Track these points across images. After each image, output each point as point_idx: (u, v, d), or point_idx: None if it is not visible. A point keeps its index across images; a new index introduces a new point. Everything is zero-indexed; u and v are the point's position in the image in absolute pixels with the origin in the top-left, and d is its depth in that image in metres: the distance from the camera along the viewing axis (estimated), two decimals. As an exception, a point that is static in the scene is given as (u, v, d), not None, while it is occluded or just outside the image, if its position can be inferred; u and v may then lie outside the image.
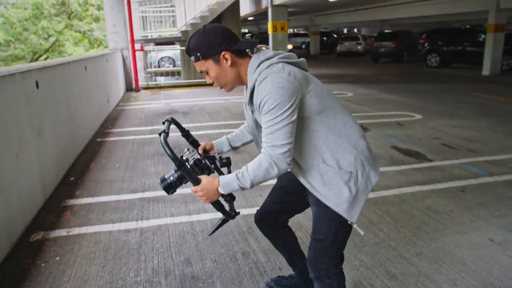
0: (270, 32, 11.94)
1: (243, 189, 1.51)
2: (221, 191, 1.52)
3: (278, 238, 2.07)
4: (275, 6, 11.69)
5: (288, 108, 1.42)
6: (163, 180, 1.61)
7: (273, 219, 2.00)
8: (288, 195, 1.91)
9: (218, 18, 12.44)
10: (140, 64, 12.12)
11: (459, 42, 16.04)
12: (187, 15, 12.48)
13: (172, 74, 14.71)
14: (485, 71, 13.49)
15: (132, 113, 7.62)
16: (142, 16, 14.90)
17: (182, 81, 12.48)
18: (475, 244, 2.68)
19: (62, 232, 2.95)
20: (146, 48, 12.50)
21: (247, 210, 3.23)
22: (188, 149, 1.79)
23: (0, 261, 2.54)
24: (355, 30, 37.60)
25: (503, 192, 3.56)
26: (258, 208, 2.03)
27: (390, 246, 2.66)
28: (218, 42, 1.51)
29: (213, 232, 1.66)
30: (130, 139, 5.60)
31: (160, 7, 14.39)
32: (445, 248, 2.63)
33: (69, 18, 19.45)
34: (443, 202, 3.36)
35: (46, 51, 19.13)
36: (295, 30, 37.35)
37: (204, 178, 1.53)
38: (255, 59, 1.54)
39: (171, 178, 1.60)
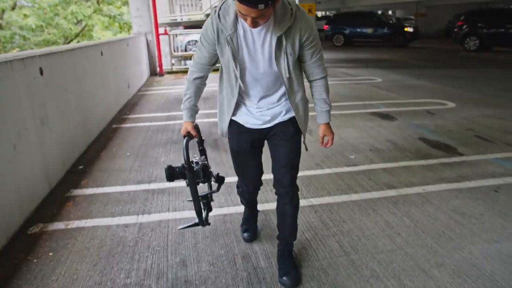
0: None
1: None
2: (328, 121, 2.06)
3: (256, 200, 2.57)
4: (303, -13, 11.24)
5: None
6: (170, 168, 1.96)
7: (259, 183, 2.32)
8: (255, 156, 2.17)
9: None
10: (166, 48, 12.02)
11: (502, 24, 15.00)
12: (213, -3, 12.21)
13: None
14: (529, 55, 12.53)
15: (152, 98, 7.51)
16: (169, 0, 14.79)
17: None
18: (507, 256, 2.35)
19: (60, 225, 2.84)
20: (171, 32, 12.35)
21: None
22: (200, 154, 2.11)
23: (-8, 255, 2.45)
24: (390, 12, 36.13)
25: (543, 193, 3.18)
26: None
27: (407, 255, 2.38)
28: None
29: (184, 228, 2.12)
30: (145, 125, 5.48)
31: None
32: (471, 260, 2.32)
33: (98, 2, 19.58)
34: (472, 204, 3.02)
35: (77, 35, 19.41)
36: (326, 12, 36.29)
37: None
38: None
39: (176, 169, 1.94)
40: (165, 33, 11.51)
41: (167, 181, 1.94)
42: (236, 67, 1.82)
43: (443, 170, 3.68)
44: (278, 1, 1.59)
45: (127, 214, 2.98)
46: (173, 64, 11.97)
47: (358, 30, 19.60)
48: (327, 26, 20.64)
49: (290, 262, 2.20)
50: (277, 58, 1.78)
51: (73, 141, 4.12)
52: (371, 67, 11.34)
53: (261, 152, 2.19)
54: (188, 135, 2.02)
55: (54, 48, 4.16)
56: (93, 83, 5.04)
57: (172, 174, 1.94)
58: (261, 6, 1.51)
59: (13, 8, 17.72)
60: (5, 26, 17.05)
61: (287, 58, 1.78)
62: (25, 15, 16.55)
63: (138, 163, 4.02)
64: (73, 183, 3.57)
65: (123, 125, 5.51)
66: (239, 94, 1.95)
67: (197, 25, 13.73)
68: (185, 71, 11.36)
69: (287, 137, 2.02)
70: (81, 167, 3.96)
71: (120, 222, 2.87)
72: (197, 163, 1.95)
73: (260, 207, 2.82)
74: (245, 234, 2.58)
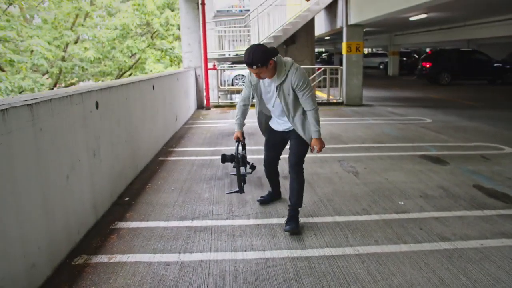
0: (344, 52, 11.50)
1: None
2: (317, 137, 3.21)
3: (273, 174, 3.77)
4: (350, 26, 11.26)
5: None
6: (223, 155, 3.41)
7: (275, 162, 3.64)
8: (276, 146, 3.54)
9: (292, 38, 12.32)
10: (214, 82, 12.37)
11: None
12: (261, 35, 12.52)
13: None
14: None
15: (199, 131, 7.66)
16: (219, 36, 15.33)
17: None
18: None
19: (104, 258, 2.87)
20: (219, 67, 12.73)
21: (297, 252, 2.92)
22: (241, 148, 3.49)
23: (38, 285, 2.50)
24: (438, 49, 35.44)
25: None
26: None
27: (465, 319, 2.17)
28: (268, 56, 2.97)
29: (230, 193, 4.07)
30: (190, 159, 5.56)
31: (235, 27, 14.66)
32: (540, 330, 2.08)
33: (151, 37, 20.66)
34: (538, 264, 2.75)
35: (130, 67, 20.45)
36: (373, 49, 36.22)
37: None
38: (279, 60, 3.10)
39: (227, 156, 3.41)
40: (214, 68, 11.88)
41: (221, 162, 3.41)
42: (258, 99, 3.36)
43: (503, 223, 3.41)
44: (269, 64, 2.96)
45: (169, 251, 2.97)
46: (219, 98, 12.26)
47: (464, 67, 18.35)
48: (429, 63, 19.09)
49: (293, 219, 3.25)
50: (278, 98, 3.14)
51: (121, 173, 4.23)
52: (419, 106, 11.04)
53: (281, 147, 3.55)
54: (238, 140, 3.46)
55: (110, 82, 4.37)
56: (143, 116, 5.21)
57: (224, 158, 3.38)
58: (254, 67, 2.94)
59: (75, 42, 19.07)
60: (67, 58, 18.31)
61: (284, 98, 3.11)
62: (85, 48, 17.73)
63: (182, 198, 4.04)
64: (119, 215, 3.63)
65: (169, 158, 5.62)
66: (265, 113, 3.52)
67: (244, 60, 14.04)
68: (230, 105, 11.61)
69: (296, 139, 3.30)
70: (127, 199, 4.04)
71: (162, 259, 2.85)
72: (241, 154, 3.41)
73: (302, 253, 2.70)
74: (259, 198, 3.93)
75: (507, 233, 3.22)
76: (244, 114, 3.49)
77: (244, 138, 3.48)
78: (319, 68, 12.41)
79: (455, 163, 5.23)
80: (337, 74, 11.92)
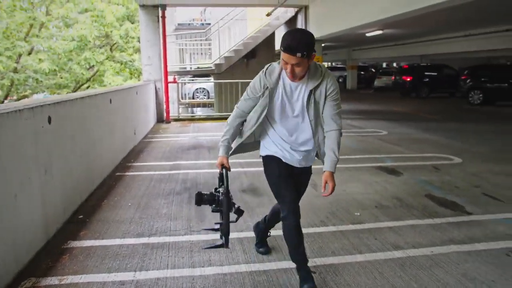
0: (303, 66, 11.80)
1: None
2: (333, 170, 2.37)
3: (300, 232, 2.61)
4: (309, 41, 11.60)
5: None
6: (199, 194, 2.37)
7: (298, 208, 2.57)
8: (296, 181, 2.58)
9: (252, 52, 12.48)
10: (174, 96, 12.27)
11: (505, 79, 15.26)
12: (222, 48, 12.61)
13: (209, 105, 14.82)
14: (534, 110, 12.64)
15: (158, 145, 7.54)
16: (180, 49, 15.28)
17: (212, 113, 12.50)
18: (522, 330, 2.22)
19: (54, 280, 2.74)
20: (179, 80, 12.66)
21: (255, 266, 2.92)
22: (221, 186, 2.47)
23: (-19, 312, 2.35)
24: (394, 64, 37.03)
25: (556, 259, 3.05)
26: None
27: (416, 325, 2.25)
28: (313, 45, 2.24)
29: (209, 248, 2.88)
30: (149, 174, 5.45)
31: (196, 40, 14.68)
32: (484, 333, 2.18)
33: (111, 49, 20.27)
34: (483, 269, 2.90)
35: (88, 80, 19.93)
36: (333, 63, 37.27)
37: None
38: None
39: (204, 196, 2.37)
40: (174, 81, 11.80)
41: (195, 204, 2.36)
42: (266, 110, 2.41)
43: (451, 231, 3.57)
44: (312, 57, 2.21)
45: (124, 270, 2.88)
46: (180, 111, 12.17)
47: (439, 81, 18.63)
48: (409, 77, 19.23)
49: (309, 277, 2.54)
50: (308, 105, 2.35)
51: (76, 190, 4.09)
52: (376, 119, 11.43)
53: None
54: (224, 169, 2.46)
55: (64, 96, 4.24)
56: (100, 131, 5.08)
57: (200, 199, 2.35)
58: (299, 54, 2.13)
59: (29, 53, 18.38)
60: (20, 70, 17.61)
61: (314, 109, 2.35)
62: (40, 59, 17.12)
63: (139, 214, 3.95)
64: (72, 234, 3.49)
65: (127, 173, 5.50)
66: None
67: (205, 73, 14.09)
68: (191, 119, 11.54)
69: (306, 179, 2.71)
70: (81, 216, 3.90)
71: (117, 278, 2.77)
72: (222, 193, 2.36)
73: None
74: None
75: (455, 239, 3.38)
76: (235, 135, 2.56)
77: (229, 168, 2.49)
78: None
79: (409, 174, 5.44)
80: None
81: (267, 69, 2.38)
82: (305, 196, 2.81)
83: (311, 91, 2.32)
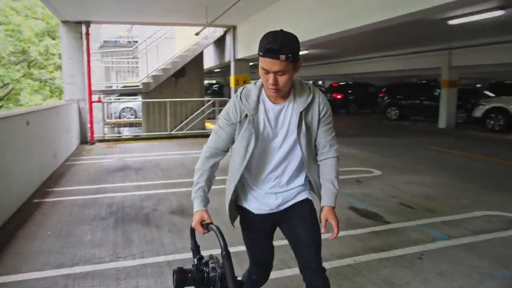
0: (232, 85, 11.98)
1: None
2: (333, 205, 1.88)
3: None
4: (237, 60, 11.80)
5: None
6: (180, 271, 1.54)
7: (269, 269, 2.16)
8: (265, 238, 2.05)
9: (181, 71, 12.42)
10: (99, 115, 11.78)
11: (417, 96, 16.72)
12: (149, 67, 12.41)
13: (136, 125, 14.41)
14: (441, 124, 14.01)
15: (81, 168, 7.16)
16: (106, 67, 14.78)
17: (139, 133, 12.18)
18: (432, 328, 2.42)
19: (-41, 324, 2.48)
20: (105, 99, 12.21)
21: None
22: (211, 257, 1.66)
23: None
24: (320, 82, 38.89)
25: (460, 259, 3.38)
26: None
27: (340, 334, 2.36)
28: (299, 50, 1.73)
29: None
30: (71, 199, 5.15)
31: (123, 58, 14.31)
32: (400, 335, 2.35)
33: (28, 66, 19.01)
34: (399, 273, 3.12)
35: (1, 99, 18.44)
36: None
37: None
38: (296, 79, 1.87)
39: (189, 274, 1.55)
40: (99, 101, 11.35)
41: (175, 286, 1.54)
42: (254, 145, 1.81)
43: (372, 239, 3.81)
44: (298, 64, 1.72)
45: (42, 305, 2.69)
46: (105, 132, 11.69)
47: (365, 98, 19.50)
48: (340, 95, 20.30)
49: None
50: (298, 132, 1.82)
51: (-15, 221, 3.75)
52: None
53: (271, 238, 2.09)
54: (210, 224, 1.70)
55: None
56: (15, 155, 4.72)
57: (183, 279, 1.54)
58: (283, 57, 1.63)
59: None
60: None
61: (306, 135, 1.83)
62: None
63: (60, 244, 3.71)
64: (-19, 270, 3.18)
65: (46, 200, 5.14)
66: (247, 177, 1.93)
67: (132, 92, 13.75)
68: (117, 140, 11.13)
69: (304, 216, 1.95)
70: (-8, 250, 3.57)
71: (33, 315, 2.57)
72: (213, 268, 1.57)
73: None
74: None
75: (375, 247, 3.61)
76: (210, 181, 1.89)
77: (212, 224, 1.69)
78: (208, 100, 12.69)
79: (333, 187, 5.71)
80: (226, 105, 12.22)
81: (241, 92, 1.85)
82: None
83: (301, 113, 1.81)
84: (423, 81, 22.02)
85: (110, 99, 13.47)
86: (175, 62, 12.09)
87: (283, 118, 1.83)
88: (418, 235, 3.91)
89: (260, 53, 1.70)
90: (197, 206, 1.80)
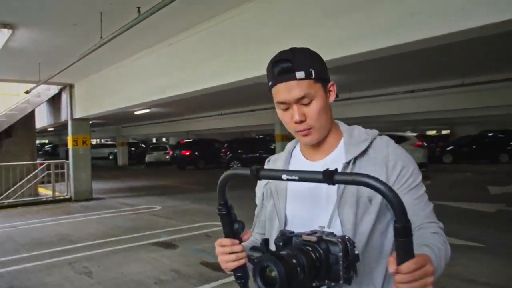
0: (70, 146, 11.13)
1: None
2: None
3: None
4: (75, 120, 11.10)
5: None
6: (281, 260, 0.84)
7: None
8: None
9: (7, 131, 11.04)
10: None
11: (255, 149, 18.31)
12: (-36, 127, 10.70)
13: None
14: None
15: None
16: None
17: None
18: None
19: None
20: None
21: None
22: None
23: None
24: (164, 139, 39.02)
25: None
26: None
27: None
28: (325, 66, 1.15)
29: None
30: None
31: None
32: None
33: None
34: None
35: None
36: (102, 140, 36.41)
37: None
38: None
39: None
40: None
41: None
42: (282, 215, 1.21)
43: (224, 292, 3.98)
44: (329, 85, 1.13)
45: None
46: None
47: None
48: (188, 151, 20.92)
49: None
50: (342, 204, 1.08)
51: None
52: (149, 195, 11.65)
53: None
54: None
55: None
56: None
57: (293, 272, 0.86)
58: (300, 74, 1.06)
59: None
60: None
61: (357, 202, 1.07)
62: None
63: None
64: None
65: None
66: None
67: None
68: None
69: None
70: None
71: None
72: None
73: None
74: None
75: (227, 300, 3.78)
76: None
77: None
78: (41, 163, 11.47)
79: (184, 245, 5.77)
80: (63, 168, 11.22)
81: (269, 160, 1.42)
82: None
83: (345, 165, 1.11)
84: (261, 136, 24.34)
85: None
86: (0, 122, 10.73)
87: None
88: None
89: (270, 83, 1.13)
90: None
